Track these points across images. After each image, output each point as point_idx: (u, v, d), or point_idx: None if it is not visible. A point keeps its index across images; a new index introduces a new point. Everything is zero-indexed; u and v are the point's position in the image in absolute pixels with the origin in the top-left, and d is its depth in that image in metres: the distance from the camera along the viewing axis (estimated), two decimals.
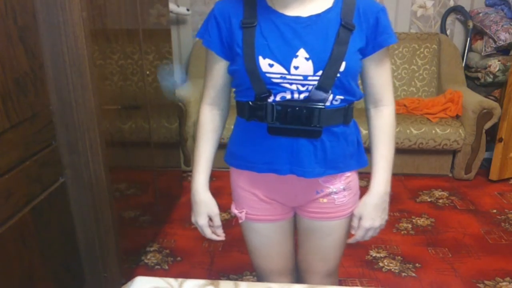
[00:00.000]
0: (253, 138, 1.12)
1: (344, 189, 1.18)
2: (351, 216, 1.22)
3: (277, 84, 1.03)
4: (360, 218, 1.16)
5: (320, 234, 1.23)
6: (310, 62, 1.01)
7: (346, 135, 1.12)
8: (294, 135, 1.07)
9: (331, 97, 1.05)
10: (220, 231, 1.21)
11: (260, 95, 1.05)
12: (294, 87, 1.03)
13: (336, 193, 1.17)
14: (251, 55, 1.02)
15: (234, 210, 1.25)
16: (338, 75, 1.02)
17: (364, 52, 1.07)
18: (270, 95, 1.05)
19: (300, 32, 1.02)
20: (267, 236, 1.26)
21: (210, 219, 1.20)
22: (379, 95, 1.13)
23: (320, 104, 1.04)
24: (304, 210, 1.22)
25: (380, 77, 1.11)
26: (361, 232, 1.17)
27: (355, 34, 1.03)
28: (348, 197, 1.19)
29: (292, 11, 1.04)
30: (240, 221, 1.25)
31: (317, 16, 1.03)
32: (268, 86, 1.04)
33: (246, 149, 1.15)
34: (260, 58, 1.02)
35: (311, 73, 1.02)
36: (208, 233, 1.20)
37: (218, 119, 1.18)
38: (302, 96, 1.04)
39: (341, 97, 1.06)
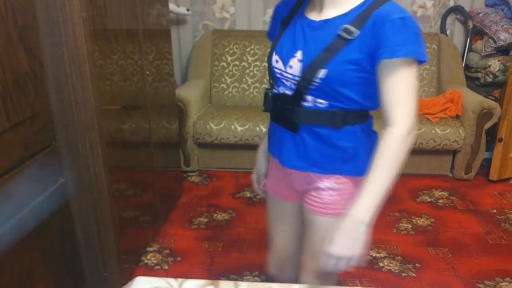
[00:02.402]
0: (270, 123, 1.28)
1: (331, 189, 1.17)
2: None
3: (279, 79, 1.15)
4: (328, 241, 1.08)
5: (311, 228, 1.25)
6: (300, 64, 1.08)
7: (332, 139, 1.12)
8: (281, 125, 1.19)
9: (310, 98, 1.09)
10: (256, 186, 1.42)
11: (271, 86, 1.20)
12: (288, 83, 1.13)
13: (323, 189, 1.18)
14: (271, 50, 1.17)
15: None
16: (318, 80, 1.05)
17: (366, 65, 1.03)
18: (274, 87, 1.18)
19: (307, 35, 1.09)
20: (274, 212, 1.40)
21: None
22: (386, 113, 1.03)
23: (299, 103, 1.12)
24: (302, 199, 1.26)
25: (388, 93, 1.02)
26: (324, 257, 1.08)
27: (352, 44, 1.01)
28: (335, 197, 1.17)
29: (312, 15, 1.11)
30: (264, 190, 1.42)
31: (326, 21, 1.07)
32: (275, 79, 1.17)
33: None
34: (274, 53, 1.15)
35: (298, 74, 1.09)
36: (256, 187, 1.43)
37: None
38: (290, 93, 1.13)
39: (324, 101, 1.09)
